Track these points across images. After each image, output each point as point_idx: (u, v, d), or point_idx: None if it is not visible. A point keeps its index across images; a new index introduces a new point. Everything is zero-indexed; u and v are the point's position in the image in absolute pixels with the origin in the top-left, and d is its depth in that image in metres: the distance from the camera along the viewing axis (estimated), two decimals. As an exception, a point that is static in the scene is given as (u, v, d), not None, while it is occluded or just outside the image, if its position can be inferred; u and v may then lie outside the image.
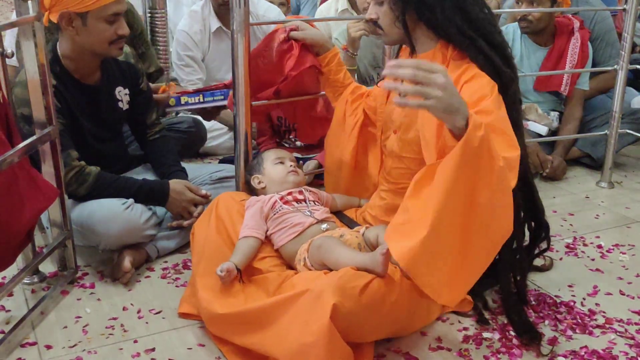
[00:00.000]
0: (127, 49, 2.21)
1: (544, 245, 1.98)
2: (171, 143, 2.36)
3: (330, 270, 1.65)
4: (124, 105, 2.19)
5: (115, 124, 2.23)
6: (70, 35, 1.97)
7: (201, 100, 2.49)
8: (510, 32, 3.11)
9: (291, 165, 2.01)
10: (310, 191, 1.97)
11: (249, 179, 2.05)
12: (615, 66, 2.76)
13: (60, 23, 1.94)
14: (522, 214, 1.84)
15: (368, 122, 2.07)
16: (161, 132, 2.35)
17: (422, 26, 1.72)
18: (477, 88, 1.60)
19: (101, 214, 1.97)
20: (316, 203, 1.94)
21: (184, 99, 2.48)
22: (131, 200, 2.03)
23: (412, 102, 1.36)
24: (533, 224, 1.93)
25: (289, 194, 1.93)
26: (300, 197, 1.93)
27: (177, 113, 2.91)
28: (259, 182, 2.01)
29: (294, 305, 1.52)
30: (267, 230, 1.87)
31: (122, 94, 2.19)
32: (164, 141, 2.33)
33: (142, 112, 2.28)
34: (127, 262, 1.97)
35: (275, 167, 2.01)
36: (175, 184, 2.12)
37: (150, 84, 2.52)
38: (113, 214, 1.96)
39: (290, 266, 1.85)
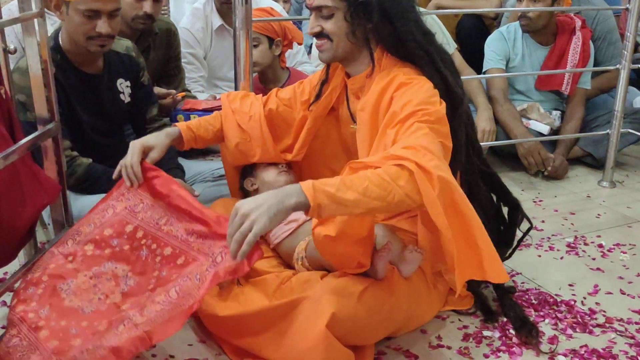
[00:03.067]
0: (128, 42, 2.21)
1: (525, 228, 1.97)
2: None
3: (329, 271, 1.65)
4: (125, 98, 2.19)
5: (117, 117, 2.22)
6: (62, 22, 1.97)
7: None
8: (512, 31, 3.11)
9: (282, 166, 2.02)
10: None
11: (242, 183, 2.06)
12: (618, 65, 2.76)
13: (50, 5, 1.93)
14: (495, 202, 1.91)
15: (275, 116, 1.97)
16: (161, 128, 2.33)
17: (374, 42, 1.67)
18: (407, 95, 1.56)
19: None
20: None
21: (193, 117, 2.39)
22: None
23: (245, 247, 1.33)
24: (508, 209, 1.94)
25: None
26: None
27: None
28: (252, 185, 2.02)
29: (292, 311, 1.52)
30: None
31: (124, 86, 2.19)
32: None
33: (143, 107, 2.28)
34: None
35: (267, 169, 2.03)
36: None
37: (160, 88, 2.53)
38: None
39: (288, 265, 1.85)
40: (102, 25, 1.95)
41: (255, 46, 2.52)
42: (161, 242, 1.65)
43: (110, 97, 2.15)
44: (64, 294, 1.59)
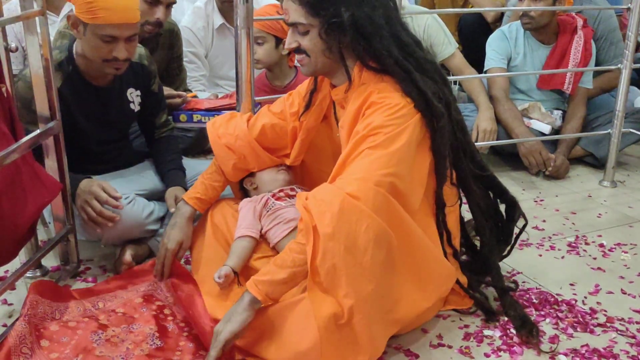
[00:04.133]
0: (141, 50, 2.19)
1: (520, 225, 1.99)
2: (174, 142, 2.34)
3: None
4: (135, 107, 2.18)
5: (123, 125, 2.22)
6: (79, 37, 1.96)
7: (205, 121, 2.40)
8: (514, 30, 3.11)
9: (281, 165, 2.02)
10: (301, 188, 1.97)
11: (242, 183, 2.05)
12: (619, 65, 2.76)
13: (70, 22, 1.93)
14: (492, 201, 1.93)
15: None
16: (168, 131, 2.33)
17: (352, 57, 1.66)
18: (372, 117, 1.58)
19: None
20: None
21: (196, 117, 2.41)
22: (133, 194, 2.03)
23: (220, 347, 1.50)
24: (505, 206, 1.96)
25: (281, 191, 1.93)
26: (292, 193, 1.93)
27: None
28: (251, 184, 2.02)
29: (291, 312, 1.52)
30: (262, 229, 1.87)
31: (134, 95, 2.17)
32: (168, 140, 2.31)
33: (153, 113, 2.26)
34: (128, 255, 1.97)
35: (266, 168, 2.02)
36: (84, 182, 1.98)
37: (167, 87, 2.52)
38: (116, 209, 1.96)
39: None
40: (119, 51, 1.91)
41: (260, 44, 2.51)
42: (188, 323, 1.71)
43: (119, 108, 2.14)
44: (95, 344, 1.62)
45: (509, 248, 1.97)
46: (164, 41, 2.73)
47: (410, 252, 1.59)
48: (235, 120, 1.97)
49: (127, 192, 2.03)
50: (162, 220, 2.12)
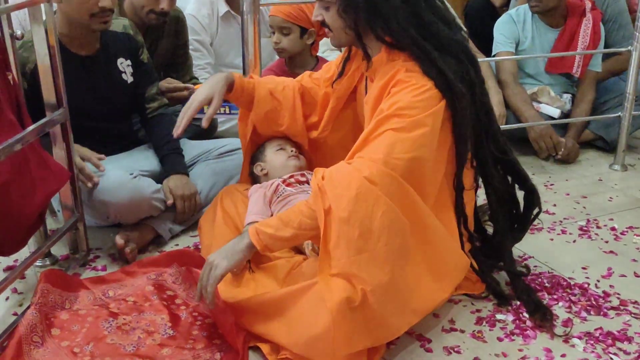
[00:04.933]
0: (124, 21, 2.18)
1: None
2: (168, 121, 2.27)
3: None
4: (128, 78, 2.16)
5: (119, 98, 2.18)
6: (57, 4, 1.93)
7: (227, 112, 2.35)
8: (521, 13, 3.07)
9: (292, 151, 2.01)
10: (312, 174, 1.96)
11: (252, 168, 2.04)
12: (629, 47, 2.73)
13: None
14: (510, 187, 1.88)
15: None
16: (160, 109, 2.29)
17: (371, 35, 1.66)
18: (398, 96, 1.57)
19: (108, 182, 1.96)
20: None
21: (206, 107, 2.37)
22: (138, 171, 2.04)
23: (209, 293, 1.55)
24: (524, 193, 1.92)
25: (291, 176, 1.92)
26: (303, 179, 1.92)
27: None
28: (262, 170, 2.01)
29: (303, 296, 1.51)
30: (272, 215, 1.86)
31: (125, 65, 2.15)
32: (161, 121, 2.28)
33: (143, 85, 2.24)
34: (118, 239, 1.96)
35: (277, 153, 2.02)
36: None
37: (173, 80, 2.50)
38: (120, 182, 1.96)
39: (299, 250, 1.84)
40: (105, 0, 1.92)
41: (286, 35, 2.49)
42: (202, 312, 1.70)
43: (110, 79, 2.12)
44: (106, 331, 1.62)
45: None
46: (169, 29, 2.72)
47: (424, 240, 1.57)
48: (281, 77, 2.04)
49: (131, 170, 2.03)
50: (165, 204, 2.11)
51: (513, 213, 1.90)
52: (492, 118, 1.75)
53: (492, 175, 1.77)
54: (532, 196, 1.89)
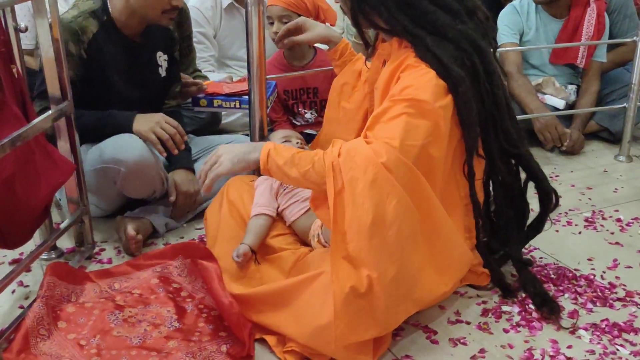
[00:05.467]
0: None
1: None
2: (180, 118, 2.34)
3: None
4: (162, 72, 2.19)
5: (153, 90, 2.22)
6: None
7: (237, 106, 2.33)
8: (525, 4, 3.06)
9: (298, 143, 2.01)
10: None
11: None
12: (635, 38, 2.72)
13: None
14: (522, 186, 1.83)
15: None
16: (175, 106, 2.33)
17: (369, 23, 1.69)
18: (408, 80, 1.57)
19: (120, 142, 1.98)
20: None
21: (217, 102, 2.34)
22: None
23: (207, 181, 1.64)
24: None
25: None
26: None
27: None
28: None
29: (309, 287, 1.51)
30: (279, 207, 1.86)
31: (162, 59, 2.20)
32: (174, 115, 2.28)
33: (171, 81, 2.28)
34: (130, 229, 1.97)
35: (283, 145, 2.00)
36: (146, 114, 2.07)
37: (183, 75, 2.50)
38: (132, 141, 1.97)
39: (305, 242, 1.84)
40: None
41: (285, 23, 2.48)
42: (208, 305, 1.70)
43: (148, 68, 2.16)
44: (112, 324, 1.62)
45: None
46: (174, 22, 2.71)
47: (431, 231, 1.57)
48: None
49: None
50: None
51: (520, 211, 1.83)
52: (501, 109, 1.70)
53: (498, 168, 1.74)
54: (548, 198, 1.82)
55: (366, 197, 1.44)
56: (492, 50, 1.70)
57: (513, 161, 1.78)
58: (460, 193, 1.70)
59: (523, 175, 1.82)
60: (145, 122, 2.03)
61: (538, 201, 1.84)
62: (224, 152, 1.64)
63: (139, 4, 2.00)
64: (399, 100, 1.54)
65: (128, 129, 2.02)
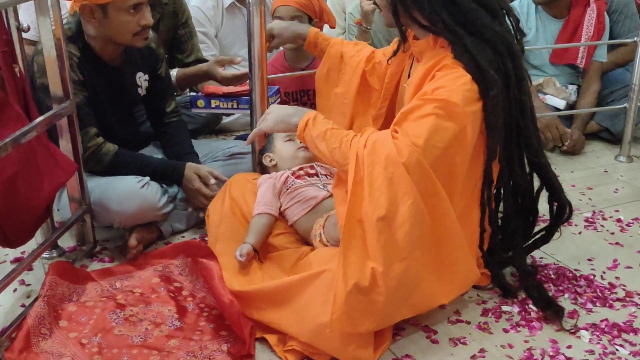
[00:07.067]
0: (150, 33, 2.19)
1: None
2: (185, 126, 2.35)
3: None
4: (142, 92, 2.18)
5: (129, 108, 2.23)
6: (94, 26, 1.95)
7: (234, 106, 2.31)
8: (525, 5, 3.06)
9: (301, 142, 2.01)
10: (321, 166, 1.96)
11: (261, 159, 2.04)
12: (636, 38, 2.72)
13: (82, 14, 1.92)
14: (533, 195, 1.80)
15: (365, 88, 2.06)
16: (178, 117, 2.33)
17: (408, 18, 1.67)
18: (442, 81, 1.56)
19: (116, 192, 1.95)
20: (328, 177, 1.93)
21: (214, 102, 2.32)
22: (147, 178, 2.01)
23: (250, 135, 1.82)
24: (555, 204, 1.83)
25: (301, 169, 1.92)
26: (312, 171, 1.93)
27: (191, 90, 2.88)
28: (270, 160, 2.01)
29: (311, 285, 1.52)
30: (281, 206, 1.87)
31: (142, 79, 2.18)
32: (180, 125, 2.32)
33: (161, 98, 2.26)
34: (133, 239, 1.96)
35: (286, 144, 2.02)
36: (188, 168, 2.07)
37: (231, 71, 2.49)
38: (129, 192, 1.95)
39: (306, 241, 1.85)
40: (146, 17, 1.95)
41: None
42: (209, 304, 1.70)
43: (127, 89, 2.14)
44: (114, 323, 1.63)
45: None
46: (167, 10, 2.71)
47: (440, 239, 1.56)
48: (361, 45, 2.15)
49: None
50: (173, 201, 2.11)
51: (528, 222, 1.82)
52: (527, 117, 1.67)
53: (516, 175, 1.71)
54: (562, 211, 1.80)
55: (383, 191, 1.46)
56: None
57: (528, 170, 1.76)
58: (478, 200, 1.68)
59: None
60: (185, 188, 2.09)
61: (549, 212, 1.83)
62: (272, 110, 1.73)
63: (109, 32, 1.96)
64: (429, 99, 1.53)
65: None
